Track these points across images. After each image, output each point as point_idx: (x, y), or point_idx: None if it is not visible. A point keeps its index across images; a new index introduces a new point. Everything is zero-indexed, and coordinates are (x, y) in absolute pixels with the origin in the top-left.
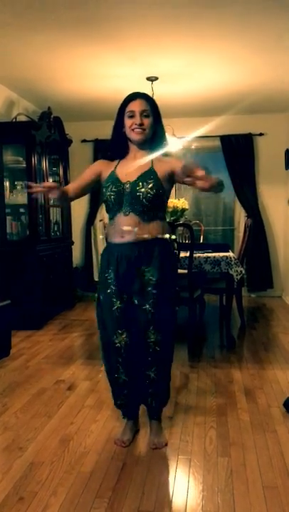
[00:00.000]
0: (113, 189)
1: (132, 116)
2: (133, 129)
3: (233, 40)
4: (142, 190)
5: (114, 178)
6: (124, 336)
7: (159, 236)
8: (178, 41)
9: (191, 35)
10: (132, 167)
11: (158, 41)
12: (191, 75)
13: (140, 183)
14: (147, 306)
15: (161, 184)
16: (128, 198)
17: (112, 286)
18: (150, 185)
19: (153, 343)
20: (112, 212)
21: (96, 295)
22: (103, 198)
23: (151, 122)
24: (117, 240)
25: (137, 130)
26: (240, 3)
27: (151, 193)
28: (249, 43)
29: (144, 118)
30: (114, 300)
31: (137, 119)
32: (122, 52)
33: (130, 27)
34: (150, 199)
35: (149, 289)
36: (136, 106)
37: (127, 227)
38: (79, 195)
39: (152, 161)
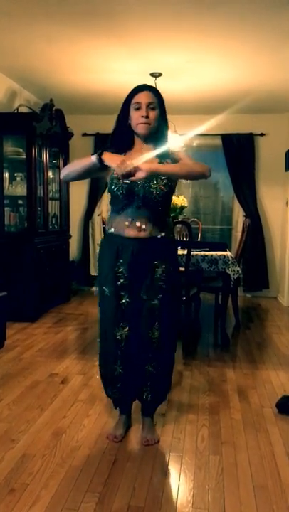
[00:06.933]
0: (125, 181)
1: (138, 109)
2: (139, 123)
3: (236, 38)
4: (156, 186)
5: None
6: (126, 329)
7: (170, 234)
8: (181, 37)
9: (194, 31)
10: (139, 160)
11: (161, 37)
12: (193, 72)
13: (154, 179)
14: (156, 302)
15: (172, 180)
16: (141, 192)
17: (121, 280)
18: (164, 182)
19: (156, 339)
20: (120, 205)
21: (97, 287)
22: (111, 189)
23: (157, 115)
24: (130, 233)
25: (143, 124)
26: (245, 1)
27: (165, 189)
28: (252, 40)
29: (151, 110)
30: (123, 294)
31: (143, 111)
32: (125, 47)
33: (133, 22)
34: (163, 195)
35: (160, 284)
36: (142, 98)
37: (141, 223)
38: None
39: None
